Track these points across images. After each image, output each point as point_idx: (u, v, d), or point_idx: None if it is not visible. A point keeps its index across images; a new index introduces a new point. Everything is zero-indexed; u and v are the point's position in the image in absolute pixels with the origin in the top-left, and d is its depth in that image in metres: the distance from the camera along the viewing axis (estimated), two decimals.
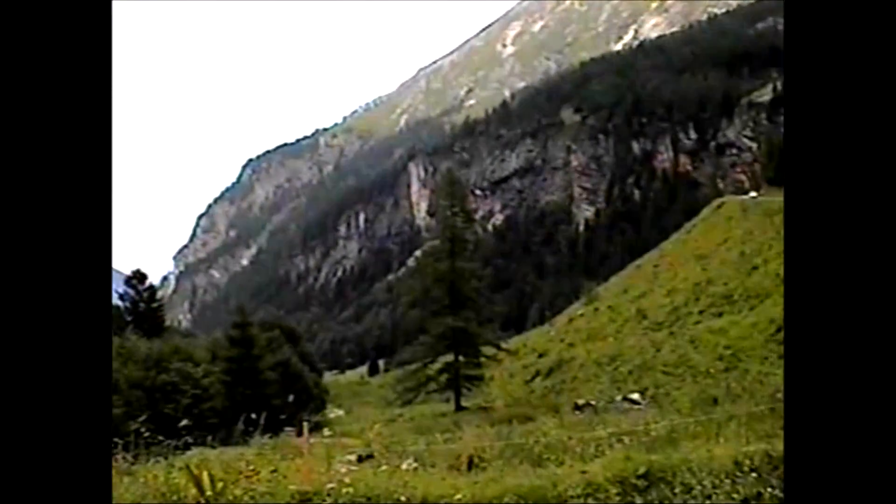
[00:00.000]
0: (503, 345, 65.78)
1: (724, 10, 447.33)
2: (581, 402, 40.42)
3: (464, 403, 56.37)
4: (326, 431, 28.59)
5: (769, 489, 8.35)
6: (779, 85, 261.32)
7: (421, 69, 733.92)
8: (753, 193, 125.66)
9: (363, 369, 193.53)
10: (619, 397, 41.69)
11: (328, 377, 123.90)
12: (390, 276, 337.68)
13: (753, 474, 8.72)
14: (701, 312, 63.21)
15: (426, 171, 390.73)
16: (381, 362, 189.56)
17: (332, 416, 64.24)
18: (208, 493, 9.33)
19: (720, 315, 58.75)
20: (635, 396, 40.98)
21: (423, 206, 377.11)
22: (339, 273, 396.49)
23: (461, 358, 57.69)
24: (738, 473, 8.80)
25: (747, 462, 8.97)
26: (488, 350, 59.96)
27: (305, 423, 15.32)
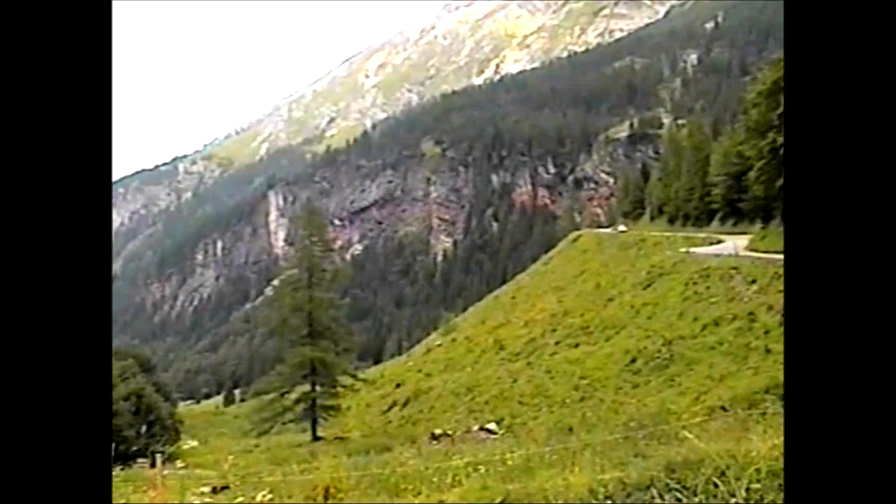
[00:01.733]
0: (360, 375, 65.49)
1: (583, 49, 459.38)
2: (438, 432, 40.43)
3: (320, 434, 55.86)
4: (180, 463, 27.93)
5: None
6: (635, 122, 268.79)
7: (283, 98, 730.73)
8: (622, 227, 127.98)
9: (219, 399, 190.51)
10: (475, 427, 41.81)
11: (183, 407, 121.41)
12: (248, 305, 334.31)
13: (608, 501, 8.75)
14: (557, 343, 63.88)
15: (285, 199, 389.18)
16: (237, 392, 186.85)
17: (186, 447, 62.79)
18: None
19: (576, 346, 59.51)
20: (492, 426, 41.16)
21: (282, 234, 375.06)
22: (196, 301, 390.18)
23: (318, 388, 57.22)
24: (594, 501, 8.82)
25: (602, 489, 9.00)
26: (345, 380, 59.62)
27: (158, 455, 14.94)
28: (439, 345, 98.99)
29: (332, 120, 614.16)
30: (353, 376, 61.37)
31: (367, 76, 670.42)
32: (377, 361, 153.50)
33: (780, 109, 61.26)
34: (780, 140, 60.47)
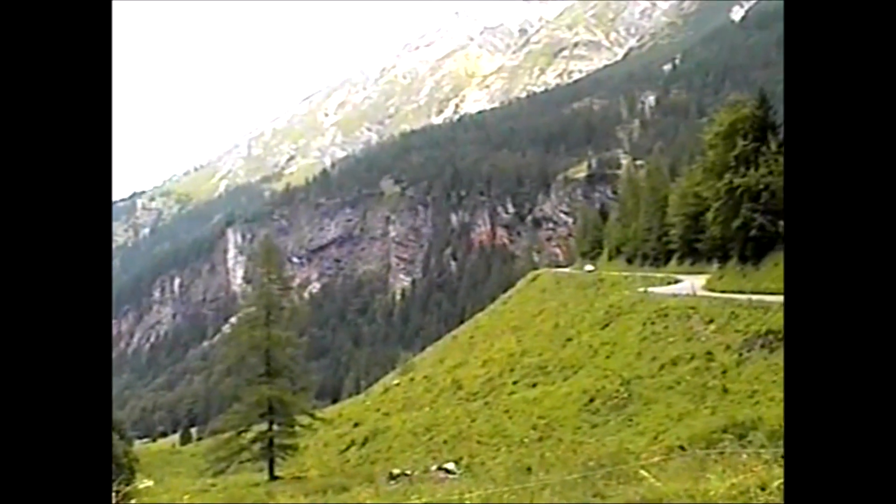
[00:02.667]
0: (318, 414, 64.91)
1: (542, 89, 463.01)
2: (396, 471, 40.19)
3: (278, 473, 55.30)
4: (135, 503, 27.51)
5: None
6: (594, 162, 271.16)
7: (242, 135, 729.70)
8: (590, 267, 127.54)
9: (175, 438, 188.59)
10: (434, 467, 41.59)
11: (138, 446, 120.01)
12: (205, 343, 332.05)
13: None
14: (515, 383, 63.72)
15: (244, 237, 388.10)
16: (193, 431, 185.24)
17: (141, 486, 61.81)
18: None
19: (534, 385, 59.38)
20: (450, 466, 40.96)
21: (240, 272, 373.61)
22: (153, 338, 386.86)
23: (275, 427, 56.71)
24: None
25: None
26: (303, 419, 59.12)
27: (113, 495, 14.73)
28: (397, 384, 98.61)
29: (291, 158, 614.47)
30: (311, 415, 60.90)
31: (326, 114, 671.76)
32: (335, 400, 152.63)
33: (737, 150, 62.13)
34: (737, 181, 61.23)
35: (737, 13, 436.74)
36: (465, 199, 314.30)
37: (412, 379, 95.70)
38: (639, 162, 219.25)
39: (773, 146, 61.16)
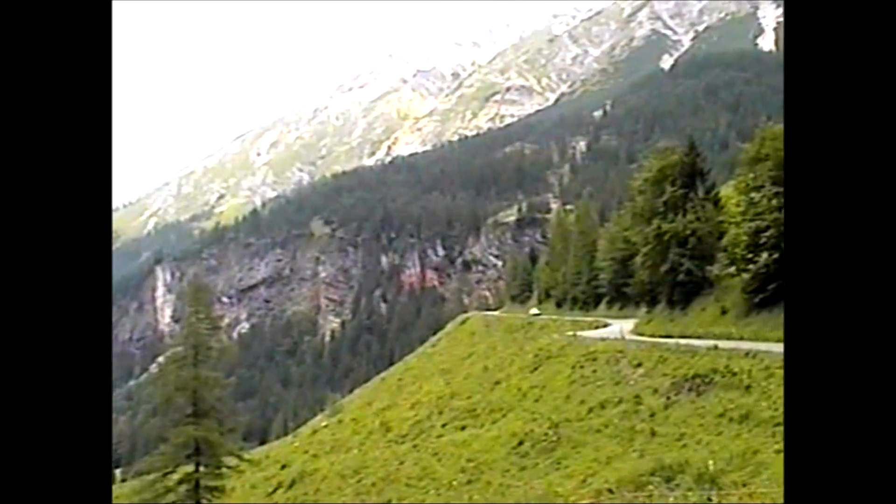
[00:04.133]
0: (246, 455, 64.26)
1: (474, 133, 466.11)
2: None
3: None
4: None
5: None
6: (524, 206, 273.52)
7: (173, 173, 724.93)
8: (535, 311, 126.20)
9: None
10: None
11: None
12: (131, 382, 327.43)
13: None
14: (444, 426, 63.58)
15: (173, 275, 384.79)
16: (118, 472, 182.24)
17: None
18: None
19: (463, 428, 59.29)
20: None
21: (168, 311, 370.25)
22: None
23: (202, 468, 56.00)
24: None
25: None
26: (230, 461, 58.46)
27: None
28: (326, 426, 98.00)
29: (221, 196, 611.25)
30: (239, 457, 60.27)
31: (258, 153, 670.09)
32: (263, 442, 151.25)
33: (666, 196, 63.01)
34: (665, 226, 62.09)
35: (666, 62, 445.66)
36: (395, 240, 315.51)
37: (340, 421, 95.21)
38: (568, 206, 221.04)
39: (701, 192, 62.21)
